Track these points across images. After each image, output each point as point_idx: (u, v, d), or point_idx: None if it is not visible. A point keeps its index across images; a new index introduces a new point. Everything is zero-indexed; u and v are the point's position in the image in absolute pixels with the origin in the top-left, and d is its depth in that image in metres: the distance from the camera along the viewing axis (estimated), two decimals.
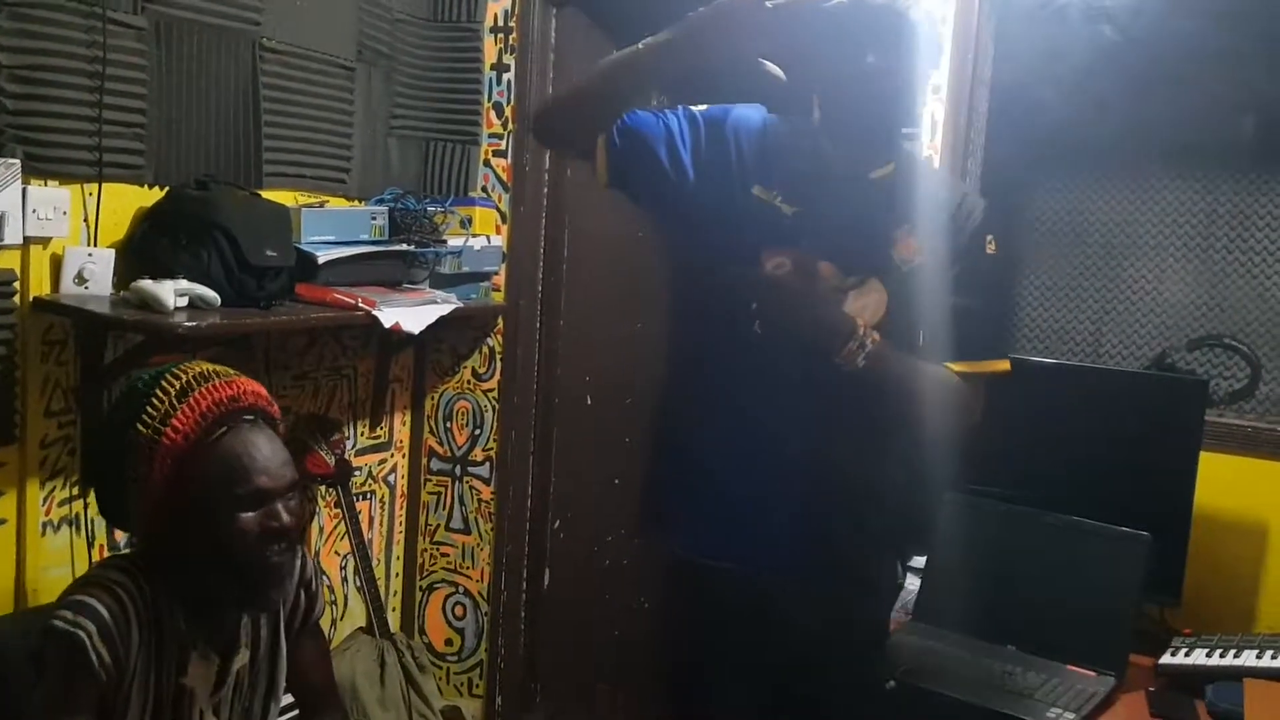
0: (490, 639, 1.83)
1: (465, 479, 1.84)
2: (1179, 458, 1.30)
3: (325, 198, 1.61)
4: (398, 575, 1.87)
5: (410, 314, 1.50)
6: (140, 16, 1.28)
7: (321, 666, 1.07)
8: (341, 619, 1.74)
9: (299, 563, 1.00)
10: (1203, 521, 1.30)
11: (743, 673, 1.06)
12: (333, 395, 1.69)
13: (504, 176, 1.79)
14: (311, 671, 1.04)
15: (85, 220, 1.25)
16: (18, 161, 1.16)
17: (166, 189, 1.34)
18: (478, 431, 1.83)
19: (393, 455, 1.84)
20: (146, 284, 1.22)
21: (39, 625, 0.85)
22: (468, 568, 1.84)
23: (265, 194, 1.46)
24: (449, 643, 1.87)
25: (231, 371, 0.91)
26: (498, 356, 1.81)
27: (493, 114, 1.78)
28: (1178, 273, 1.59)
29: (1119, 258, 1.63)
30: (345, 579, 1.75)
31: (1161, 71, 1.53)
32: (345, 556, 1.74)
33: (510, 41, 1.76)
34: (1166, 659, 1.22)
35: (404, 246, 1.62)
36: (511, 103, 1.76)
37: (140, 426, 0.86)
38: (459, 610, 1.86)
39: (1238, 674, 1.16)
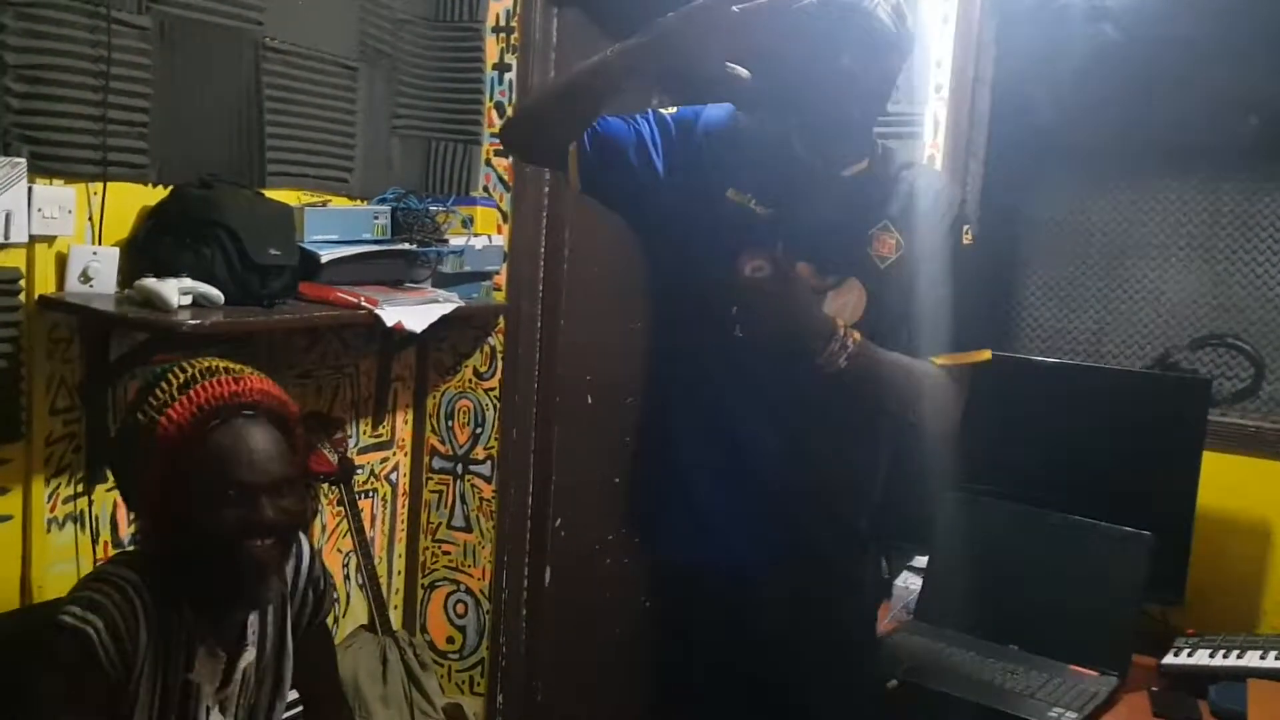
0: (491, 637, 1.83)
1: (467, 477, 1.84)
2: (1182, 457, 1.29)
3: (328, 197, 1.61)
4: (399, 573, 1.88)
5: (412, 313, 1.51)
6: (144, 16, 1.29)
7: (327, 666, 1.07)
8: (344, 616, 1.74)
9: (306, 561, 1.00)
10: (1206, 521, 1.30)
11: (732, 673, 1.06)
12: (335, 393, 1.70)
13: (505, 176, 1.79)
14: (317, 670, 1.04)
15: (90, 219, 1.26)
16: (23, 160, 1.17)
17: (170, 188, 1.34)
18: (479, 430, 1.83)
19: (395, 453, 1.84)
20: (150, 282, 1.23)
21: (46, 621, 0.85)
22: (469, 566, 1.85)
23: (268, 193, 1.46)
24: (450, 640, 1.87)
25: (245, 369, 0.91)
26: (499, 355, 1.81)
27: (494, 114, 1.78)
28: (1180, 272, 1.58)
29: (1121, 257, 1.62)
30: (347, 576, 1.75)
31: (1163, 71, 1.53)
32: (347, 554, 1.74)
33: (512, 41, 1.76)
34: (1169, 659, 1.22)
35: (406, 246, 1.62)
36: (513, 102, 1.77)
37: (140, 415, 0.87)
38: (460, 608, 1.86)
39: (1241, 674, 1.15)
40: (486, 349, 1.82)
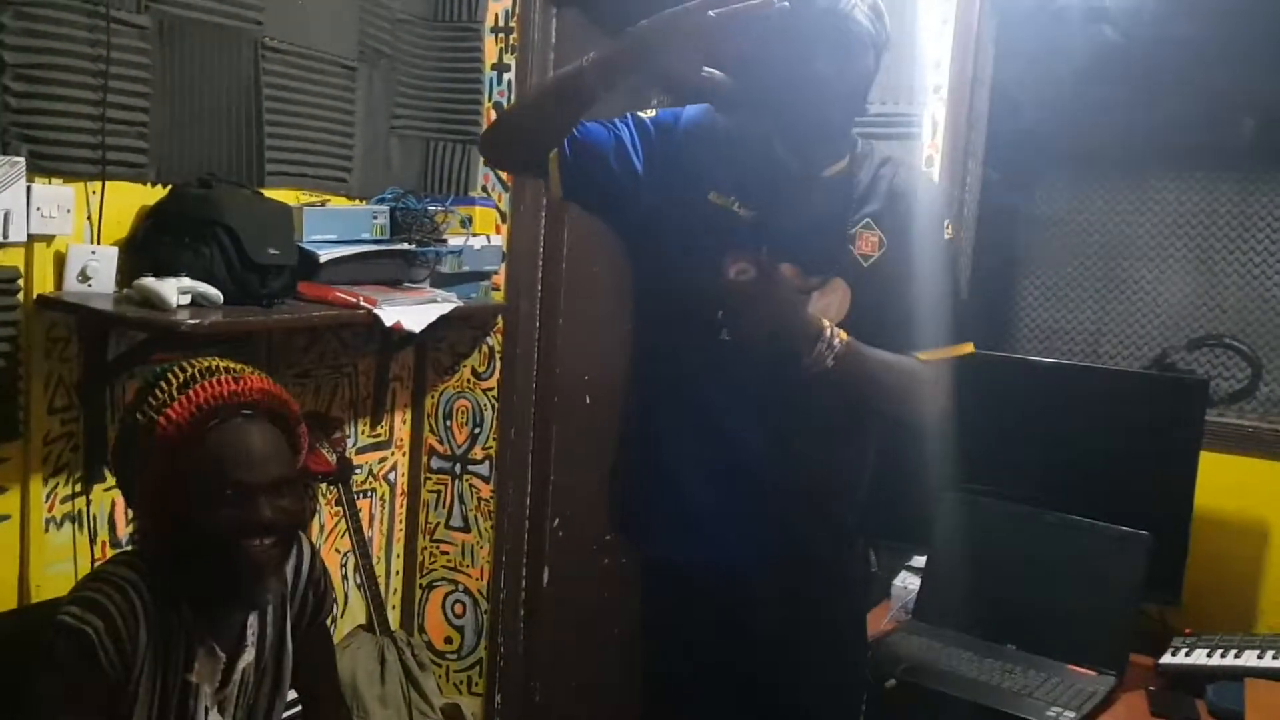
0: (490, 637, 1.83)
1: (465, 477, 1.84)
2: (1179, 457, 1.30)
3: (326, 196, 1.61)
4: (398, 573, 1.87)
5: (411, 313, 1.51)
6: (143, 15, 1.29)
7: (327, 666, 1.07)
8: (342, 616, 1.74)
9: (306, 561, 1.00)
10: (1203, 521, 1.30)
11: (721, 672, 1.06)
12: (334, 393, 1.69)
13: (504, 176, 1.79)
14: (316, 671, 1.04)
15: (89, 218, 1.26)
16: (22, 159, 1.16)
17: (169, 187, 1.34)
18: (477, 430, 1.83)
19: (393, 453, 1.84)
20: (149, 281, 1.23)
21: (44, 621, 0.85)
22: (467, 566, 1.85)
23: (267, 193, 1.46)
24: (448, 640, 1.87)
25: (245, 369, 0.90)
26: (497, 355, 1.81)
27: (493, 114, 1.78)
28: (1178, 273, 1.59)
29: (1119, 258, 1.63)
30: (345, 576, 1.75)
31: (1161, 72, 1.54)
32: (345, 554, 1.74)
33: (511, 41, 1.76)
34: (1167, 659, 1.23)
35: (405, 246, 1.62)
36: (512, 102, 1.77)
37: (139, 415, 0.87)
38: (459, 608, 1.86)
39: (1238, 674, 1.16)
40: (485, 349, 1.82)
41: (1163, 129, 1.57)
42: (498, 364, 1.81)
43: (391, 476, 1.84)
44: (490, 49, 1.78)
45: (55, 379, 1.25)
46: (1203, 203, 1.56)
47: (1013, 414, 1.38)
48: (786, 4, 0.89)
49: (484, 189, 1.80)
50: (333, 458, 1.62)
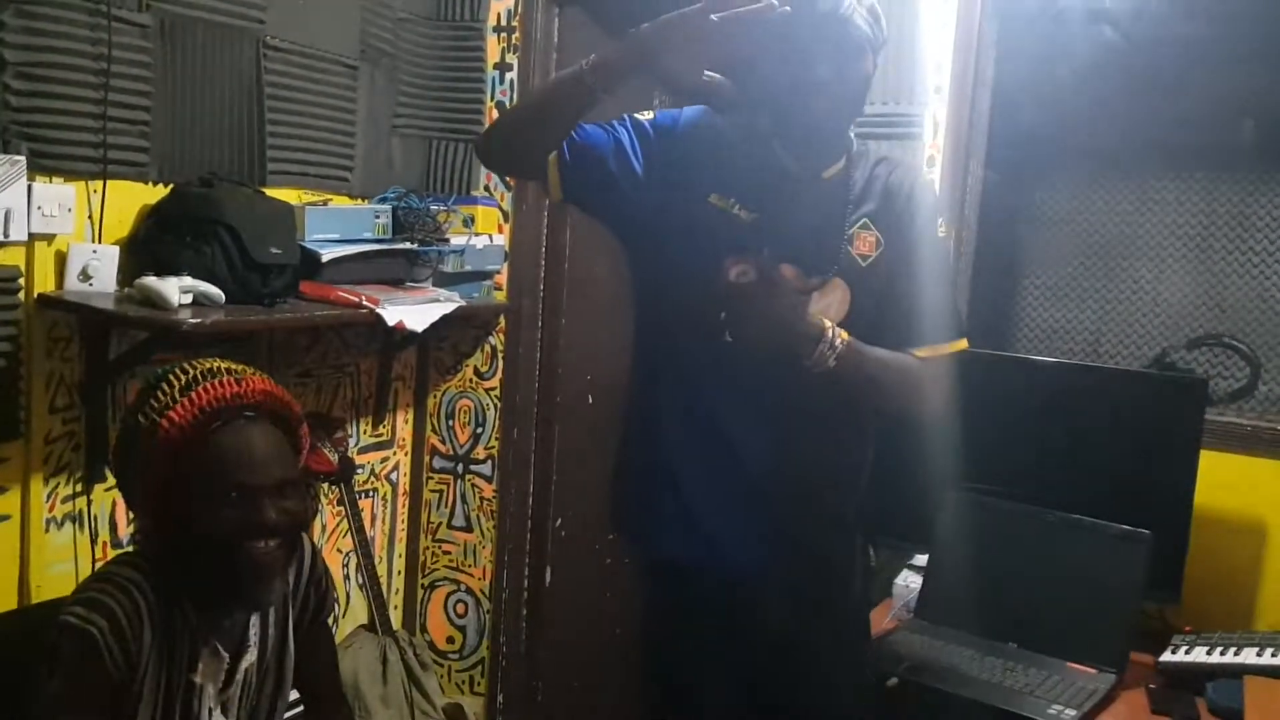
0: (492, 637, 1.83)
1: (467, 477, 1.84)
2: (1179, 456, 1.30)
3: (328, 196, 1.61)
4: (400, 573, 1.87)
5: (413, 312, 1.51)
6: (145, 14, 1.29)
7: (328, 665, 1.07)
8: (344, 616, 1.74)
9: (308, 561, 1.00)
10: (1203, 519, 1.31)
11: (729, 671, 1.06)
12: (336, 393, 1.69)
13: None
14: (318, 670, 1.04)
15: (90, 217, 1.25)
16: (23, 158, 1.16)
17: (171, 186, 1.34)
18: (480, 430, 1.83)
19: (395, 453, 1.84)
20: (151, 281, 1.23)
21: (45, 621, 0.85)
22: (469, 565, 1.85)
23: (269, 192, 1.46)
24: (450, 640, 1.87)
25: (246, 370, 0.90)
26: (500, 355, 1.81)
27: (495, 113, 1.78)
28: (1178, 272, 1.60)
29: (1119, 257, 1.63)
30: (347, 576, 1.75)
31: (1162, 73, 1.54)
32: (347, 554, 1.74)
33: (513, 40, 1.76)
34: (1167, 656, 1.23)
35: (407, 245, 1.62)
36: (514, 102, 1.77)
37: (141, 417, 0.87)
38: (461, 608, 1.86)
39: (1238, 671, 1.16)
40: (487, 348, 1.82)
41: (1163, 129, 1.57)
42: (500, 363, 1.81)
43: (394, 476, 1.84)
44: (492, 48, 1.77)
45: (56, 378, 1.25)
46: (1203, 202, 1.57)
47: (1013, 413, 1.39)
48: (788, 8, 0.89)
49: (486, 188, 1.80)
50: (335, 457, 1.62)
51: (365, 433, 1.77)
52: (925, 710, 1.20)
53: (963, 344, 1.07)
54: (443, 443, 1.86)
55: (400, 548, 1.87)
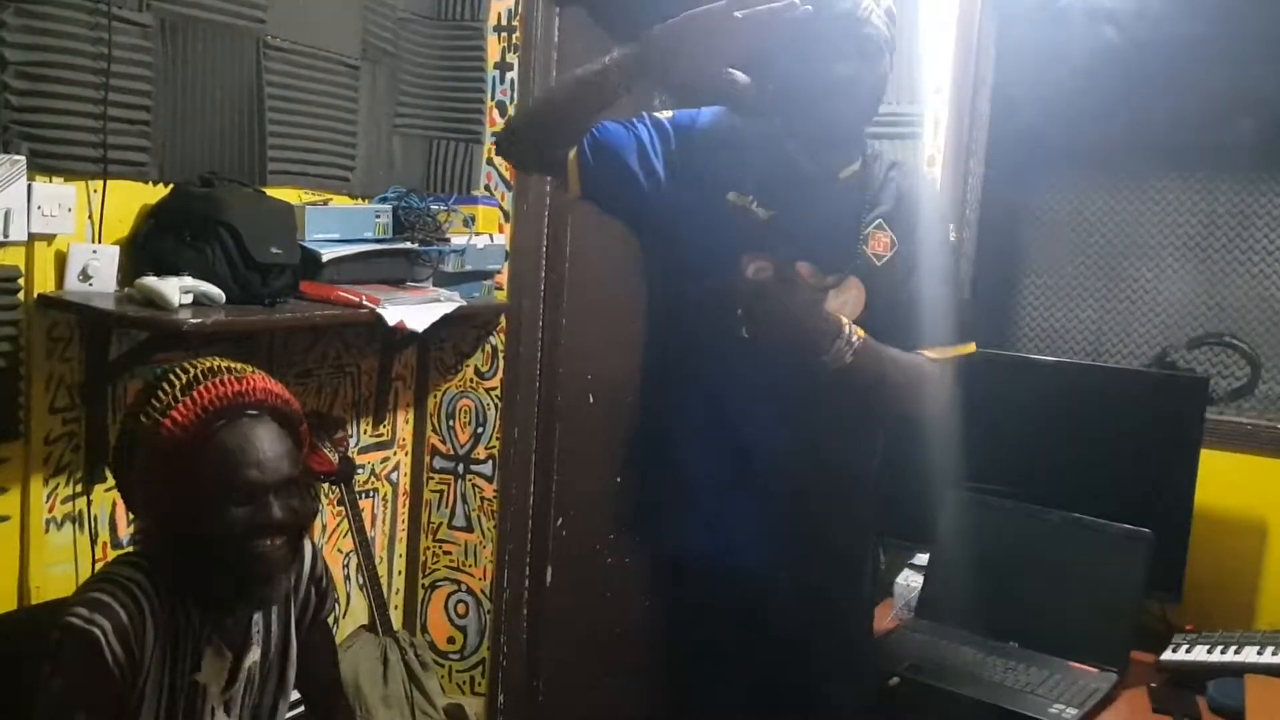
0: (493, 637, 1.83)
1: (468, 477, 1.84)
2: (1180, 455, 1.31)
3: (329, 195, 1.61)
4: (400, 573, 1.87)
5: (414, 312, 1.50)
6: (146, 14, 1.29)
7: (329, 664, 1.07)
8: (344, 616, 1.74)
9: (309, 559, 1.00)
10: (1203, 518, 1.31)
11: (741, 668, 1.06)
12: (336, 393, 1.69)
13: (507, 175, 1.79)
14: (319, 669, 1.04)
15: (90, 217, 1.25)
16: (23, 158, 1.16)
17: (171, 186, 1.34)
18: (480, 430, 1.83)
19: (395, 453, 1.84)
20: (151, 281, 1.22)
21: (48, 621, 0.85)
22: (470, 566, 1.85)
23: (269, 191, 1.46)
24: (451, 640, 1.87)
25: (247, 369, 0.90)
26: (500, 355, 1.81)
27: (496, 112, 1.78)
28: (1178, 272, 1.60)
29: (1120, 257, 1.64)
30: (348, 576, 1.75)
31: (1162, 72, 1.54)
32: (348, 554, 1.74)
33: (514, 40, 1.76)
34: (1168, 655, 1.23)
35: (407, 245, 1.62)
36: (515, 101, 1.77)
37: (143, 418, 0.86)
38: (461, 608, 1.86)
39: (1239, 670, 1.16)
40: (488, 348, 1.82)
41: (1163, 129, 1.57)
42: (501, 363, 1.81)
43: (394, 476, 1.84)
44: (493, 48, 1.77)
45: (56, 379, 1.25)
46: (1203, 202, 1.57)
47: (1015, 412, 1.39)
48: (809, 7, 0.90)
49: (487, 188, 1.80)
50: (335, 457, 1.62)
51: (365, 433, 1.77)
52: (926, 709, 1.20)
53: (971, 347, 1.09)
54: (443, 443, 1.86)
55: (401, 548, 1.87)
